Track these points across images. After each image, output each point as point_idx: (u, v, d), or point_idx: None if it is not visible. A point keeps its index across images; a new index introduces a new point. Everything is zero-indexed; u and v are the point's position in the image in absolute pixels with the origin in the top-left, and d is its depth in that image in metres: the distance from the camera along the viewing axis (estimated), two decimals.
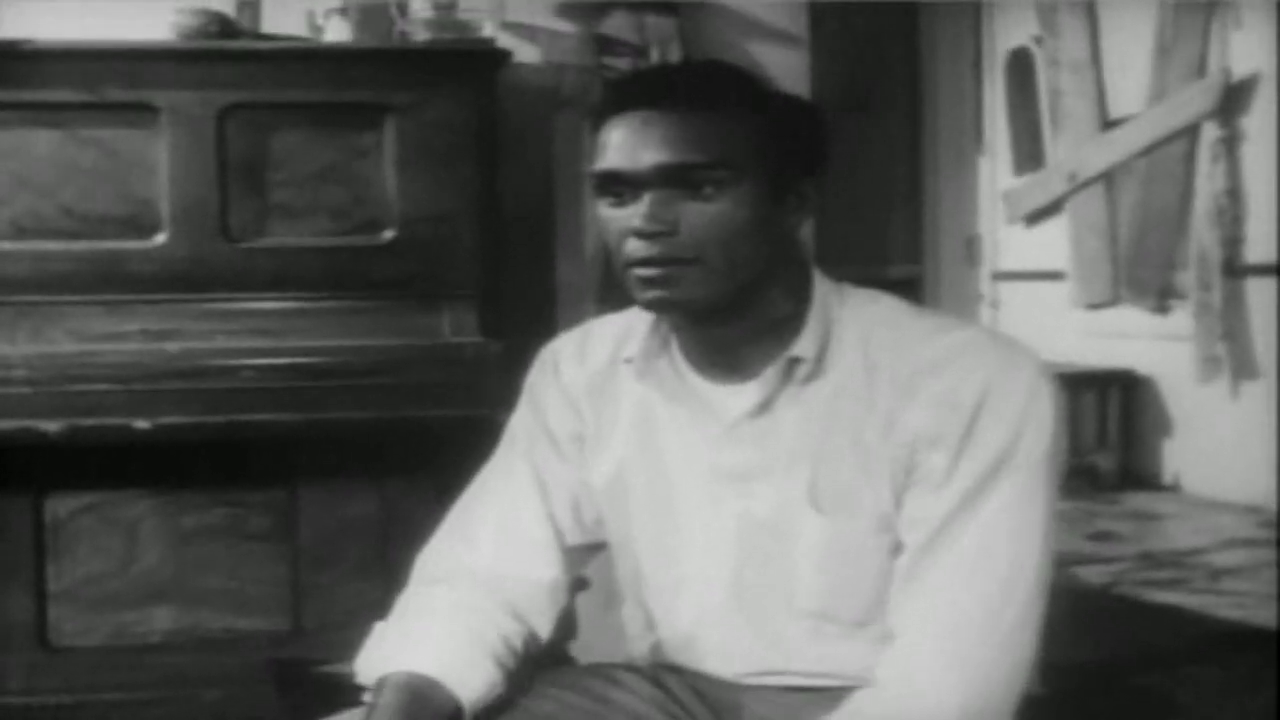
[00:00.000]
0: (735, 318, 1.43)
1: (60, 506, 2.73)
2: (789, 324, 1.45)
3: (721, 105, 1.37)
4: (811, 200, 1.44)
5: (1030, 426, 1.37)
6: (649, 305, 1.41)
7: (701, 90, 1.38)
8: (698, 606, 1.51)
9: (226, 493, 2.77)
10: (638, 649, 1.62)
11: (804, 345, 1.44)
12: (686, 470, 1.50)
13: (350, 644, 1.54)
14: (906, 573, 1.38)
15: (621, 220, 1.39)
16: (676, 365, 1.51)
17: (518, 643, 1.52)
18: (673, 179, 1.35)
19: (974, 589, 1.35)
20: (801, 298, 1.46)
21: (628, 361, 1.54)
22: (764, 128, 1.39)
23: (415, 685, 1.42)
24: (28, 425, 2.54)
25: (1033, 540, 1.37)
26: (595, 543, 1.63)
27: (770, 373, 1.44)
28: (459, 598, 1.52)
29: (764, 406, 1.45)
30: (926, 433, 1.38)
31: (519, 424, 1.64)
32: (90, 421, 2.55)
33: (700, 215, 1.36)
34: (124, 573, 2.75)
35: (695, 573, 1.50)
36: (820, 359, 1.44)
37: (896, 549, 1.41)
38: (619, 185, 1.38)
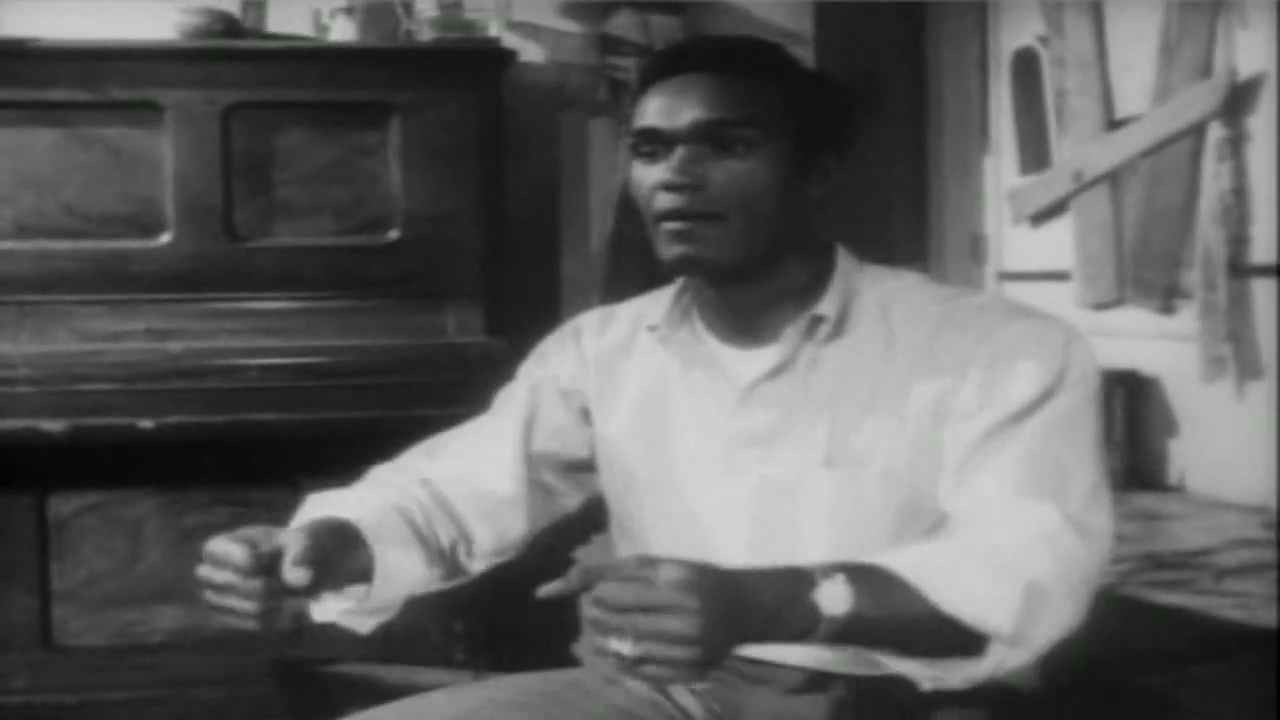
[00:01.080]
0: (756, 282, 1.49)
1: (64, 506, 2.73)
2: (809, 290, 1.50)
3: (755, 72, 1.44)
4: (834, 176, 1.49)
5: (1074, 366, 1.41)
6: (674, 262, 1.46)
7: (737, 57, 1.45)
8: None
9: (230, 492, 2.77)
10: None
11: (826, 305, 1.48)
12: (703, 439, 1.53)
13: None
14: (954, 481, 1.40)
15: (653, 175, 1.45)
16: (698, 333, 1.56)
17: (441, 534, 1.55)
18: (705, 136, 1.42)
19: (1028, 481, 1.36)
20: (823, 268, 1.52)
21: (651, 329, 1.59)
22: (794, 97, 1.45)
23: (329, 521, 1.46)
24: (31, 425, 2.54)
25: (1085, 452, 1.39)
26: (572, 491, 1.67)
27: (791, 332, 1.48)
28: (392, 483, 1.58)
29: (784, 366, 1.48)
30: (947, 387, 1.42)
31: (520, 375, 1.71)
32: (93, 421, 2.55)
33: (728, 173, 1.42)
34: (127, 572, 2.75)
35: (712, 540, 1.50)
36: (841, 321, 1.49)
37: (906, 509, 1.43)
38: (654, 143, 1.45)
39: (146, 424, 2.56)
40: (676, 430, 1.55)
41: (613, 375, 1.62)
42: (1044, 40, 6.73)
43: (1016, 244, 7.05)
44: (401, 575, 1.48)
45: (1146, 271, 6.19)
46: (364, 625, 1.50)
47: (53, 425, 2.54)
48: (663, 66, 1.47)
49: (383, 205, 2.80)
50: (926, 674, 1.32)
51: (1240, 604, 4.10)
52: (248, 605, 1.34)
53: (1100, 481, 1.39)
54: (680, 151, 1.43)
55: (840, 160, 1.50)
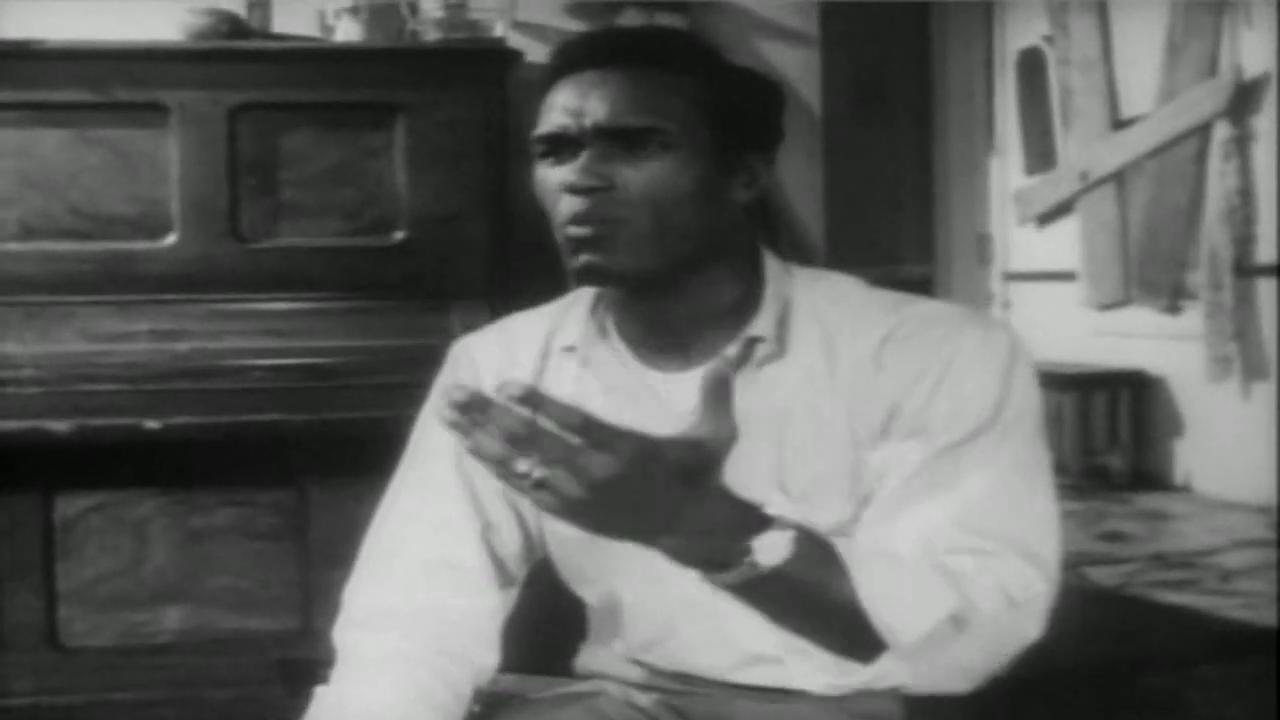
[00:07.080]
0: (677, 294, 1.38)
1: (69, 506, 2.73)
2: (742, 306, 1.40)
3: (668, 69, 1.34)
4: (762, 177, 1.39)
5: (1015, 390, 1.32)
6: (580, 272, 1.35)
7: (648, 53, 1.35)
8: (676, 599, 1.41)
9: (235, 493, 2.76)
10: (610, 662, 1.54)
11: (762, 324, 1.38)
12: None
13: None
14: (890, 508, 1.32)
15: (558, 176, 1.34)
16: (618, 353, 1.45)
17: (467, 689, 1.43)
18: (612, 138, 1.32)
19: (970, 523, 1.29)
20: (753, 279, 1.41)
21: (568, 350, 1.47)
22: (711, 96, 1.35)
23: None
24: (37, 425, 2.54)
25: (1032, 502, 1.32)
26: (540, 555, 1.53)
27: (727, 355, 1.37)
28: (392, 647, 1.42)
29: None
30: (898, 399, 1.33)
31: (437, 436, 1.47)
32: (99, 421, 2.55)
33: (640, 173, 1.32)
34: (133, 573, 2.75)
35: (664, 568, 1.36)
36: (780, 339, 1.38)
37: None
38: (559, 145, 1.34)
39: (152, 424, 2.56)
40: None
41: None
42: (1049, 40, 6.74)
43: (1022, 244, 7.06)
44: None
45: (1152, 271, 6.19)
46: None
47: (58, 425, 2.54)
48: (569, 61, 1.36)
49: (388, 206, 2.79)
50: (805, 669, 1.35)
51: (1246, 604, 4.11)
52: None
53: (1050, 530, 1.32)
54: (587, 152, 1.32)
55: (769, 160, 1.40)
